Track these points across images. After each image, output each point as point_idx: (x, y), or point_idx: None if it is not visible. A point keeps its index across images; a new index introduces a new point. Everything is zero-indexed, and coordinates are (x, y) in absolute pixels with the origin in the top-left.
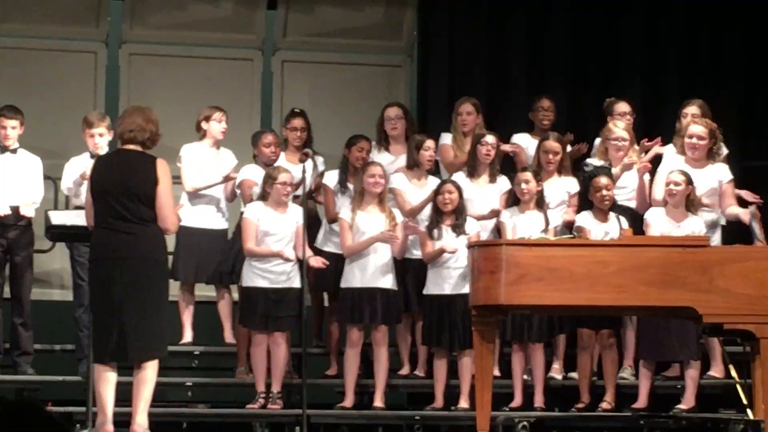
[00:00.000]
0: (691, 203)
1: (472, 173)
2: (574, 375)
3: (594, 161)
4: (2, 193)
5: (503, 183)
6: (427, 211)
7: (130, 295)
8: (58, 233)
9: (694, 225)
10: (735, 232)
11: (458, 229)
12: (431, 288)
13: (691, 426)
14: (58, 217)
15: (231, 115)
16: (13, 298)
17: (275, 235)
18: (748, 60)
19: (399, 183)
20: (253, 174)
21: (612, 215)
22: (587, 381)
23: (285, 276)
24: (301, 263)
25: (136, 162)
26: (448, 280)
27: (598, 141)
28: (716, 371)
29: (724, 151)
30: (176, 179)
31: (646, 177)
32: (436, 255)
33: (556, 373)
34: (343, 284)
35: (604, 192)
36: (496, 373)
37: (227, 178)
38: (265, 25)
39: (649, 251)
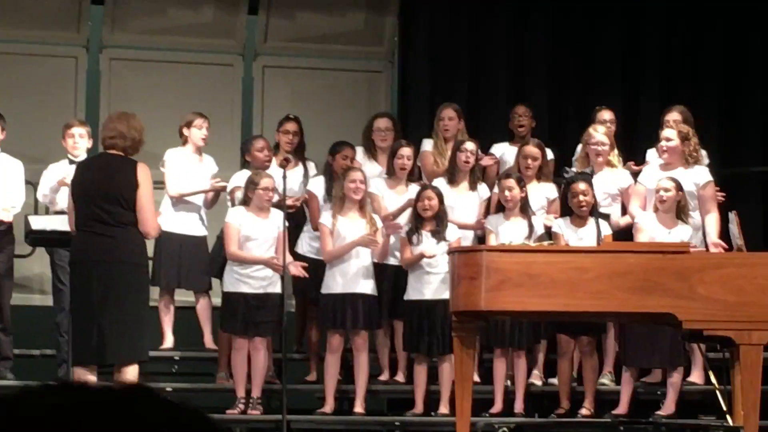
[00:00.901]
0: (681, 210)
1: (452, 180)
2: (554, 381)
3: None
4: None
5: (483, 191)
6: (407, 217)
7: (109, 298)
8: (38, 238)
9: (684, 233)
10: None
11: (438, 235)
12: (411, 293)
13: None
14: (38, 222)
15: (212, 120)
16: None
17: (256, 240)
18: (728, 66)
19: (377, 188)
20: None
21: (591, 221)
22: (567, 387)
23: (266, 281)
24: (283, 268)
25: (116, 166)
26: (429, 285)
27: (579, 147)
28: (696, 377)
29: (705, 158)
30: (158, 184)
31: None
32: (415, 260)
33: (536, 379)
34: (324, 290)
35: (581, 198)
36: (476, 379)
37: (216, 188)
38: (245, 30)
39: (629, 257)
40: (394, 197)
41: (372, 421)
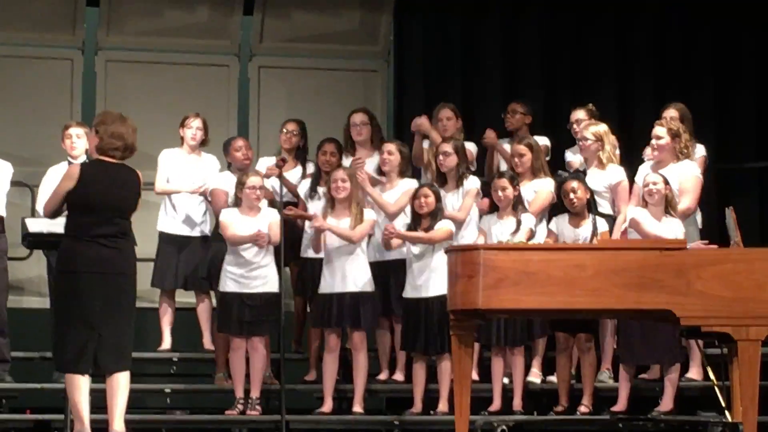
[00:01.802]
0: (669, 204)
1: (440, 182)
2: (553, 379)
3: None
4: None
5: (471, 182)
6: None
7: (109, 309)
8: (35, 241)
9: (674, 225)
10: (714, 233)
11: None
12: (409, 291)
13: (670, 429)
14: (36, 225)
15: (208, 121)
16: None
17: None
18: (722, 62)
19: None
20: (224, 182)
21: (589, 219)
22: (566, 384)
23: (261, 280)
24: (280, 268)
25: (123, 177)
26: (426, 283)
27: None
28: (694, 373)
29: (700, 152)
30: (149, 185)
31: None
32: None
33: (535, 376)
34: (319, 289)
35: (571, 195)
36: (475, 377)
37: (198, 191)
38: (241, 30)
39: (626, 254)
40: (385, 194)
41: (371, 420)
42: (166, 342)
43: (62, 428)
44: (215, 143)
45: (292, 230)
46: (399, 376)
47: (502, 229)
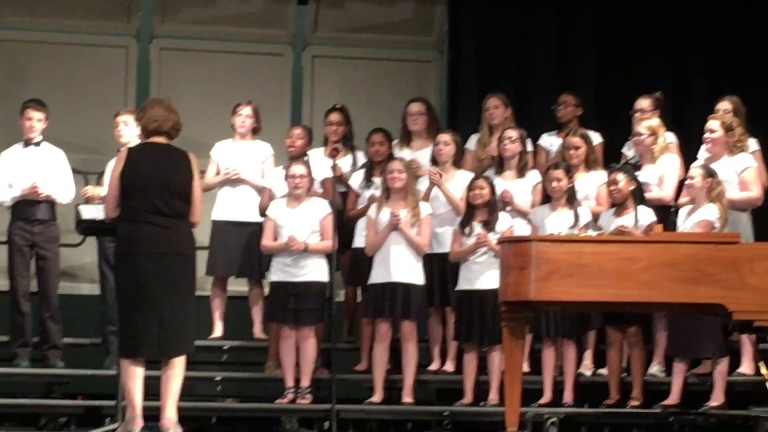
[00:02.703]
0: (714, 196)
1: (499, 169)
2: (604, 371)
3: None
4: (26, 184)
5: (533, 176)
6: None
7: (168, 290)
8: (88, 227)
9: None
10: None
11: (489, 225)
12: (462, 283)
13: (721, 423)
14: (89, 212)
15: (261, 110)
16: (41, 293)
17: (287, 228)
18: None
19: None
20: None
21: (632, 211)
22: (616, 377)
23: (307, 269)
24: (330, 256)
25: (171, 156)
26: (479, 275)
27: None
28: (746, 368)
29: (753, 146)
30: (203, 174)
31: None
32: (465, 253)
33: (586, 369)
34: (369, 280)
35: (612, 187)
36: (526, 369)
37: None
38: (295, 20)
39: (679, 248)
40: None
41: (421, 410)
42: (218, 330)
43: (113, 414)
44: (268, 133)
45: (342, 220)
46: (450, 366)
47: (555, 221)
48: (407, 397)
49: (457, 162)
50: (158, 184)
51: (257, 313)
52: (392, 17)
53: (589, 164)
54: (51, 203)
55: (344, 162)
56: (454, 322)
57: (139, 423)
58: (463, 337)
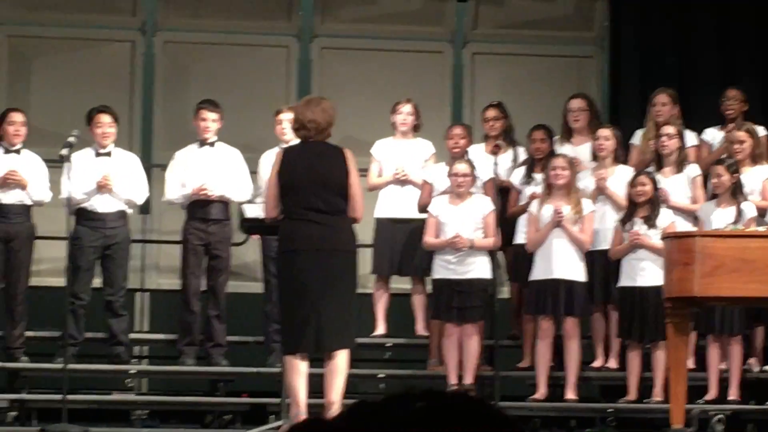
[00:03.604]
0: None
1: (657, 165)
2: None
3: None
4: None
5: (692, 170)
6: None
7: (327, 286)
8: (251, 226)
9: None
10: None
11: (651, 221)
12: (624, 280)
13: None
14: (252, 211)
15: (421, 108)
16: (209, 291)
17: (451, 225)
18: None
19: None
20: (430, 174)
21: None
22: None
23: (471, 267)
24: (492, 253)
25: (326, 153)
26: (641, 272)
27: None
28: None
29: None
30: (362, 172)
31: None
32: (624, 252)
33: (753, 365)
34: (531, 276)
35: (714, 181)
36: (691, 365)
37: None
38: (455, 17)
39: None
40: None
41: (585, 407)
42: (381, 327)
43: (278, 412)
44: (429, 130)
45: (504, 216)
46: (613, 363)
47: (720, 217)
48: (570, 394)
49: (618, 157)
50: (314, 181)
51: (420, 311)
52: (552, 13)
53: (755, 158)
54: (225, 203)
55: (505, 158)
56: (617, 318)
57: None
58: (626, 334)
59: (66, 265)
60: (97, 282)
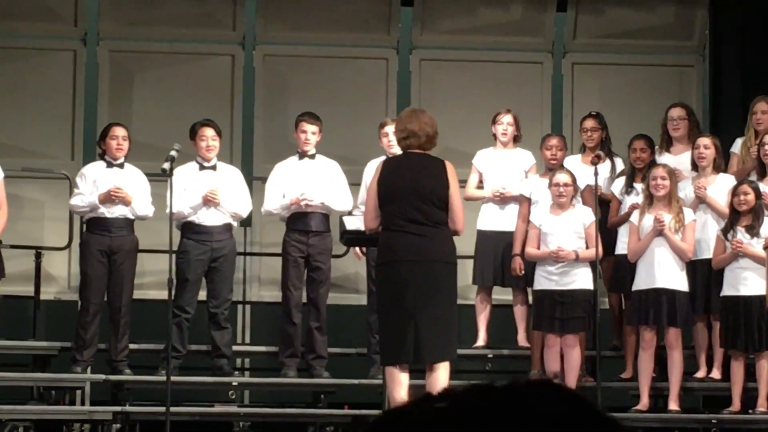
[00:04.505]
0: None
1: (760, 175)
2: None
3: None
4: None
5: None
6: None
7: (425, 297)
8: (352, 238)
9: None
10: None
11: (754, 230)
12: (727, 289)
13: None
14: (353, 222)
15: (521, 118)
16: (310, 303)
17: (553, 236)
18: None
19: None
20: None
21: None
22: None
23: (572, 277)
24: (593, 264)
25: (426, 165)
26: (744, 281)
27: None
28: None
29: None
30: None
31: None
32: (725, 261)
33: None
34: (633, 286)
35: None
36: None
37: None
38: (554, 27)
39: None
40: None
41: (688, 418)
42: (482, 339)
43: None
44: (529, 141)
45: (605, 227)
46: (716, 374)
47: None
48: (673, 405)
49: (718, 166)
50: (413, 193)
51: (521, 321)
52: (652, 22)
53: None
54: (325, 215)
55: (602, 168)
56: (720, 328)
57: None
58: (729, 344)
59: (169, 278)
60: (200, 294)
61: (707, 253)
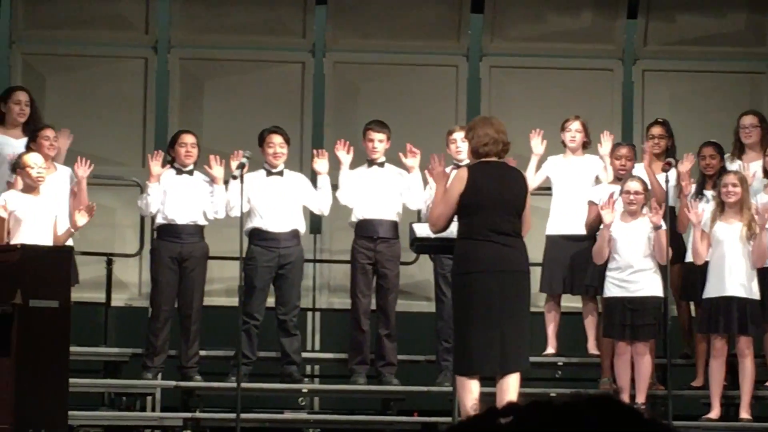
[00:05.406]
0: None
1: None
2: None
3: None
4: (375, 204)
5: None
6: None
7: (510, 307)
8: (422, 245)
9: None
10: None
11: None
12: None
13: None
14: (422, 230)
15: (592, 125)
16: (379, 310)
17: (622, 242)
18: None
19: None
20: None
21: None
22: None
23: (643, 284)
24: (664, 270)
25: (509, 175)
26: None
27: None
28: None
29: None
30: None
31: None
32: None
33: None
34: (704, 294)
35: None
36: None
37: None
38: (625, 34)
39: None
40: None
41: (759, 427)
42: (551, 346)
43: None
44: (596, 148)
45: (674, 233)
46: None
47: None
48: (744, 413)
49: None
50: (500, 203)
51: (591, 329)
52: (723, 28)
53: None
54: (394, 221)
55: (669, 176)
56: None
57: None
58: None
59: (239, 285)
60: (269, 301)
61: None
